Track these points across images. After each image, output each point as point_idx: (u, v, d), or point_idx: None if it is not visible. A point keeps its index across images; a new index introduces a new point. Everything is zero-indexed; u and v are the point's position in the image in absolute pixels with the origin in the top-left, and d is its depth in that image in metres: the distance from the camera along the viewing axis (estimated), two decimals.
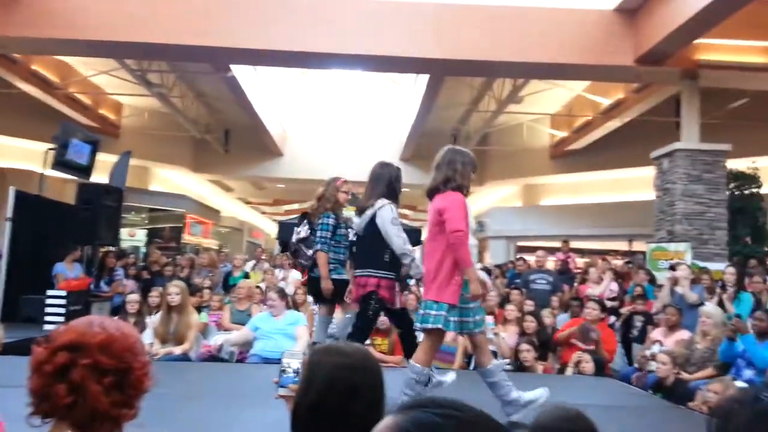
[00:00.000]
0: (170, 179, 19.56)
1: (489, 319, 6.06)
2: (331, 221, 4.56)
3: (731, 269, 6.92)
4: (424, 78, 12.35)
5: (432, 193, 3.54)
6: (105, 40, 9.58)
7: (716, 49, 9.54)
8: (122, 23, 9.39)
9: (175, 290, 5.49)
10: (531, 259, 9.18)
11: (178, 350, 5.19)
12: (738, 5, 7.46)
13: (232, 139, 17.70)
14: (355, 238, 4.40)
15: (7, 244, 7.59)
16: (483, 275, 3.84)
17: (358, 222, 4.28)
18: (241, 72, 12.61)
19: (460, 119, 16.36)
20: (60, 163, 8.51)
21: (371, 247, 4.12)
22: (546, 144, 17.00)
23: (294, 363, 1.93)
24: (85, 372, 1.25)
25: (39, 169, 12.07)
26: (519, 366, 5.34)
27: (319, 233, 4.55)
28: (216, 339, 5.48)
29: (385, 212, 4.04)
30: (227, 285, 8.14)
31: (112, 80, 13.88)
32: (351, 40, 9.69)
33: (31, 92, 12.93)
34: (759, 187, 10.06)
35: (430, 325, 3.31)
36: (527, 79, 11.56)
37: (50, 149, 9.00)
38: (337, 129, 18.81)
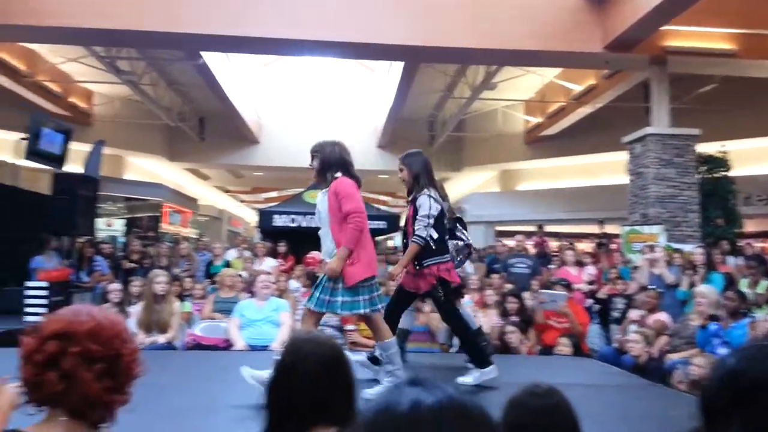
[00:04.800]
0: (145, 168, 19.29)
1: (467, 298, 6.20)
2: None
3: (700, 250, 7.16)
4: (399, 65, 12.37)
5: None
6: (72, 26, 9.34)
7: (684, 35, 9.76)
8: (89, 9, 9.17)
9: (164, 279, 5.48)
10: (510, 243, 9.33)
11: (162, 339, 5.19)
12: None
13: (207, 126, 17.52)
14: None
15: None
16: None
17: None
18: (213, 59, 12.47)
19: (436, 106, 16.45)
20: (32, 153, 8.36)
21: None
22: (521, 130, 17.19)
23: None
24: (75, 360, 1.27)
25: (11, 159, 11.85)
26: (504, 347, 5.47)
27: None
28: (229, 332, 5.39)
29: None
30: (209, 274, 8.11)
31: (82, 68, 13.58)
32: (324, 26, 9.64)
33: None
34: (728, 170, 10.34)
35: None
36: (500, 65, 11.67)
37: (22, 139, 8.84)
38: (313, 116, 18.73)
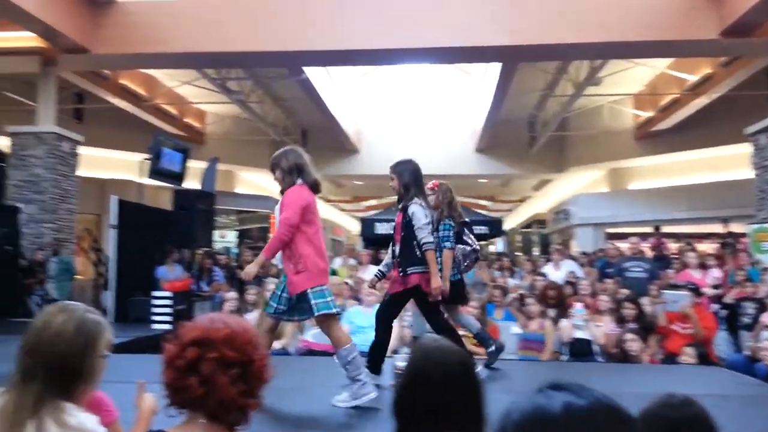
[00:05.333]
0: (254, 181, 20.28)
1: (579, 306, 5.93)
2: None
3: None
4: (496, 66, 12.15)
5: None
6: (186, 51, 10.10)
7: None
8: (201, 35, 9.84)
9: (271, 287, 5.69)
10: (623, 245, 8.85)
11: (277, 345, 5.39)
12: None
13: (309, 139, 18.10)
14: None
15: (114, 249, 8.13)
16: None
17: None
18: (314, 73, 12.89)
19: (536, 105, 15.99)
20: (155, 172, 9.02)
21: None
22: (630, 125, 16.29)
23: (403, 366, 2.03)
24: (213, 365, 1.33)
25: (136, 178, 12.88)
26: (623, 356, 5.17)
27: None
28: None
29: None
30: None
31: (195, 90, 14.54)
32: (418, 33, 9.69)
33: (122, 106, 13.75)
34: None
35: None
36: (605, 59, 11.14)
37: (145, 159, 9.58)
38: (411, 123, 18.86)
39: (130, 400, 1.96)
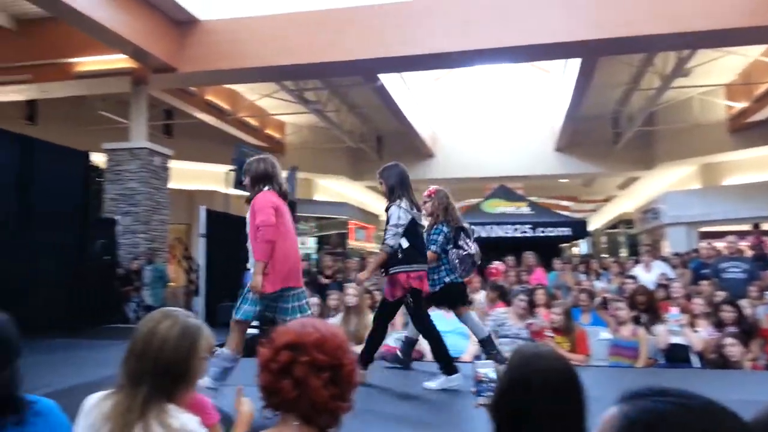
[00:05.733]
0: (332, 188, 20.68)
1: (674, 310, 5.60)
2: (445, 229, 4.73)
3: None
4: (575, 62, 11.76)
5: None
6: (265, 66, 10.45)
7: None
8: (280, 49, 10.16)
9: (352, 292, 5.76)
10: (720, 245, 8.30)
11: (359, 349, 5.42)
12: None
13: (385, 145, 18.24)
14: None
15: (203, 257, 8.50)
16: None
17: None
18: (388, 80, 12.98)
19: (620, 100, 15.34)
20: (239, 182, 9.35)
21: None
22: (722, 117, 15.30)
23: (489, 371, 2.02)
24: (305, 368, 1.36)
25: (222, 188, 13.42)
26: (723, 362, 4.83)
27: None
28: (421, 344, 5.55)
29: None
30: None
31: (275, 102, 15.02)
32: (493, 33, 9.54)
33: (208, 120, 14.42)
34: None
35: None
36: (694, 49, 10.51)
37: (230, 170, 9.97)
38: (486, 124, 18.61)
39: (228, 404, 2.02)
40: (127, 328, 7.92)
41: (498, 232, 10.06)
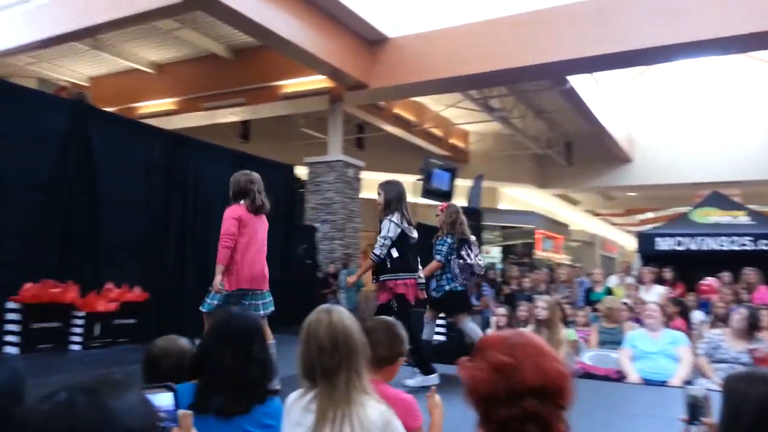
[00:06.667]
0: (517, 197, 20.25)
1: None
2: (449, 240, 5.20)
3: None
4: None
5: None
6: (451, 76, 10.56)
7: None
8: (465, 58, 10.19)
9: (542, 304, 5.53)
10: None
11: None
12: None
13: (574, 150, 17.39)
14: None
15: None
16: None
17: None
18: (578, 81, 12.34)
19: None
20: (427, 191, 9.56)
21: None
22: None
23: (701, 397, 1.87)
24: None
25: (409, 197, 13.80)
26: None
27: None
28: (621, 363, 5.20)
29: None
30: (589, 301, 7.89)
31: (459, 111, 15.13)
32: (702, 23, 8.54)
33: (396, 132, 14.99)
34: None
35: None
36: None
37: (417, 180, 10.22)
38: (694, 123, 16.76)
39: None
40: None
41: (711, 244, 8.96)
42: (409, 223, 4.77)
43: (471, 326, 5.14)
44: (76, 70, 13.84)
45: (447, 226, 5.20)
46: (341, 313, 1.83)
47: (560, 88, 12.30)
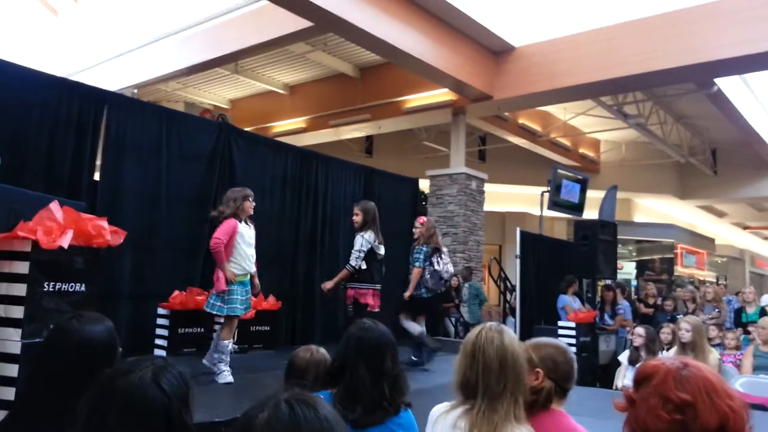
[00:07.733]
0: (654, 208, 18.92)
1: None
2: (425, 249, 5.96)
3: None
4: None
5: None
6: (582, 83, 10.08)
7: None
8: (597, 64, 9.69)
9: (686, 326, 5.12)
10: None
11: None
12: None
13: (720, 158, 15.96)
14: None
15: (518, 278, 8.57)
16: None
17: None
18: (727, 84, 11.30)
19: None
20: (555, 203, 9.23)
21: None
22: None
23: None
24: None
25: (532, 210, 13.44)
26: None
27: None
28: None
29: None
30: (739, 322, 7.17)
31: (589, 119, 14.45)
32: None
33: (520, 143, 14.63)
34: None
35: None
36: None
37: (545, 191, 9.90)
38: None
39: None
40: (449, 340, 8.43)
41: None
42: (380, 242, 5.59)
43: (406, 323, 5.87)
44: (218, 93, 15.02)
45: (424, 237, 5.95)
46: (512, 337, 1.78)
47: (706, 92, 11.34)
